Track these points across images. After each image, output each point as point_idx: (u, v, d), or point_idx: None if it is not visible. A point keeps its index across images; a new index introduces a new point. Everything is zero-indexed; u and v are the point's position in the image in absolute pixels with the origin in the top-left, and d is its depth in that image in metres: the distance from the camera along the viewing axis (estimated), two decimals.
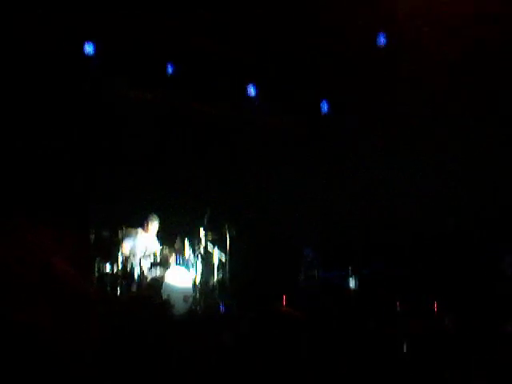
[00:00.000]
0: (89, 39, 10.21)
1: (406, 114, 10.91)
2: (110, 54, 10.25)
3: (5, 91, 10.03)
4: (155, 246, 10.91)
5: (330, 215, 11.96)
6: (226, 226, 10.78)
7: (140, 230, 10.87)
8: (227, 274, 10.79)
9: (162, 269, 10.46)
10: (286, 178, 12.19)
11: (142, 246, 10.81)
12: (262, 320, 6.63)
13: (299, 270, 11.16)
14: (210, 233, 10.84)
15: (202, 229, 10.79)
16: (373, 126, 11.41)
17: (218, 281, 10.79)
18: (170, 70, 10.93)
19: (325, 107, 11.81)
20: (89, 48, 10.28)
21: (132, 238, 10.79)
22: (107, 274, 10.23)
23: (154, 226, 10.89)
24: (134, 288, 10.19)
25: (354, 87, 10.85)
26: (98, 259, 10.21)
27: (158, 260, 10.59)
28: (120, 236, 10.59)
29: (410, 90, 10.60)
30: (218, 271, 10.77)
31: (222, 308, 10.25)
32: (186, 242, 10.66)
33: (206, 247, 10.80)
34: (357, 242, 11.32)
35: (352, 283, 10.56)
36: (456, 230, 10.94)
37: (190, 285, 10.33)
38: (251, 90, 11.37)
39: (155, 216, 10.90)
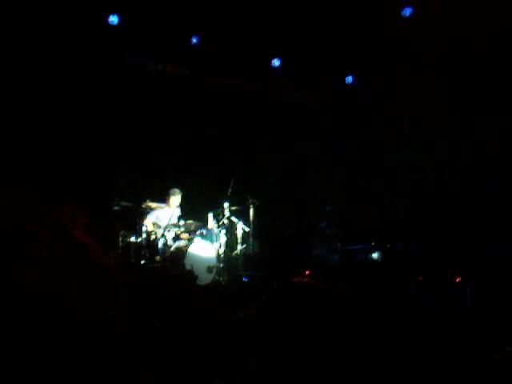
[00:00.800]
0: (112, 10, 10.17)
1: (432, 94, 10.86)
2: (132, 26, 10.21)
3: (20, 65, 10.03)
4: (179, 218, 10.94)
5: (355, 188, 11.90)
6: (250, 198, 10.84)
7: (163, 203, 10.87)
8: (251, 246, 10.86)
9: (185, 240, 10.43)
10: (309, 150, 12.16)
11: (165, 218, 10.81)
12: (285, 291, 6.16)
13: (321, 243, 10.95)
14: (233, 205, 10.86)
15: (225, 201, 10.82)
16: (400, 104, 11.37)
17: (241, 252, 10.84)
18: (193, 42, 10.87)
19: (350, 81, 11.81)
20: (113, 19, 10.25)
21: (156, 211, 10.81)
22: (132, 244, 10.21)
23: (176, 198, 10.83)
24: (157, 258, 10.17)
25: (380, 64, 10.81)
26: (123, 231, 10.21)
27: (182, 231, 10.59)
28: (144, 209, 10.55)
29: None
30: (241, 243, 10.83)
31: (245, 279, 10.37)
32: (210, 214, 10.64)
33: (229, 219, 10.82)
34: (381, 215, 11.13)
35: (375, 257, 10.44)
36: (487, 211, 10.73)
37: (213, 255, 10.32)
38: (276, 64, 11.27)
39: (177, 189, 10.85)
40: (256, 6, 9.73)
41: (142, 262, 10.11)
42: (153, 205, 10.58)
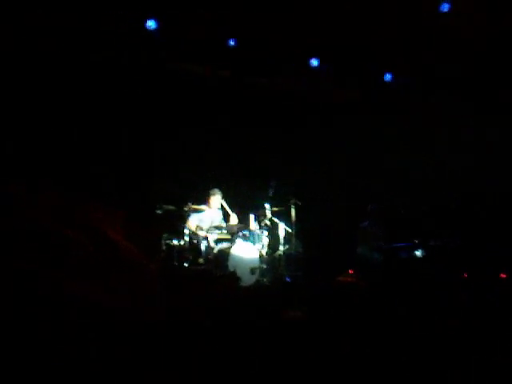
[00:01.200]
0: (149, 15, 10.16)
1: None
2: (165, 27, 10.23)
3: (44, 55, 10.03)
4: (220, 220, 10.91)
5: (397, 184, 11.74)
6: (291, 199, 10.66)
7: (204, 205, 10.84)
8: (293, 246, 10.70)
9: (228, 242, 10.43)
10: (350, 149, 12.06)
11: (207, 220, 10.81)
12: (329, 291, 6.65)
13: (364, 242, 10.77)
14: (275, 206, 10.76)
15: (267, 202, 10.76)
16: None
17: (284, 253, 10.68)
18: (231, 44, 10.85)
19: (387, 77, 11.66)
20: (150, 23, 10.27)
21: (197, 213, 10.78)
22: (174, 247, 10.20)
23: (216, 199, 10.78)
24: (201, 260, 10.17)
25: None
26: (165, 234, 10.23)
27: (224, 233, 10.59)
28: (186, 211, 10.53)
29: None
30: (284, 243, 10.68)
31: (288, 279, 10.25)
32: (252, 216, 10.63)
33: (271, 220, 10.73)
34: (425, 212, 11.02)
35: (419, 256, 10.22)
36: None
37: (256, 257, 10.24)
38: (312, 61, 11.21)
39: (217, 190, 10.79)
40: (292, 7, 9.77)
41: (185, 264, 10.07)
42: (194, 207, 10.53)
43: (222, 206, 10.81)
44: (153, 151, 11.11)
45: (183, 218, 10.52)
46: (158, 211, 10.18)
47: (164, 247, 10.17)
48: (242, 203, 11.12)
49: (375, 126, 11.78)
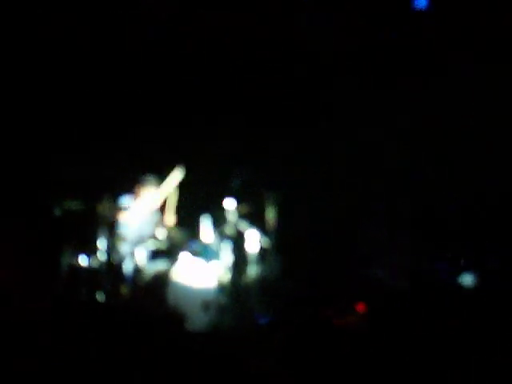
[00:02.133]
0: None
1: None
2: None
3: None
4: (156, 225, 9.31)
5: (428, 181, 10.22)
6: (267, 192, 9.27)
7: (130, 200, 9.17)
8: (271, 267, 9.36)
9: (168, 260, 8.93)
10: (351, 119, 10.41)
11: (135, 226, 9.16)
12: (322, 340, 5.89)
13: (383, 260, 9.41)
14: (243, 205, 9.29)
15: (230, 199, 9.24)
16: None
17: (256, 277, 9.32)
18: None
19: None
20: None
21: (119, 214, 9.14)
22: (82, 269, 8.68)
23: (150, 192, 9.12)
24: (124, 290, 8.64)
25: None
26: (67, 250, 8.67)
27: (162, 246, 9.02)
28: (101, 211, 8.78)
29: None
30: (256, 262, 9.28)
31: (262, 321, 8.70)
32: (206, 219, 9.11)
33: (237, 226, 9.28)
34: (473, 221, 9.79)
35: (466, 281, 8.96)
36: None
37: (212, 284, 8.85)
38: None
39: (150, 177, 9.16)
40: None
41: (99, 297, 8.60)
42: (115, 206, 8.90)
43: (157, 203, 9.38)
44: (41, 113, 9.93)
45: (97, 224, 8.78)
46: (56, 212, 8.66)
47: (65, 270, 8.64)
48: (191, 199, 9.52)
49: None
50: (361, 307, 8.22)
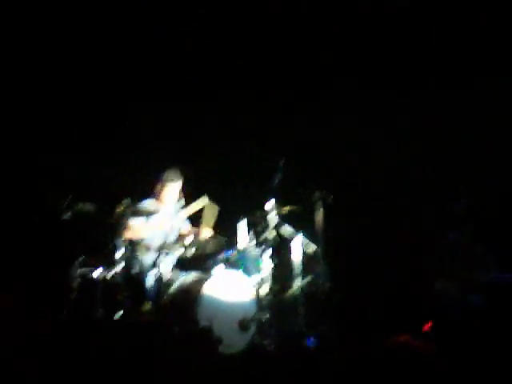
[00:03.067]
0: None
1: None
2: None
3: None
4: (184, 230, 8.56)
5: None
6: (317, 192, 8.20)
7: (152, 201, 8.37)
8: (320, 279, 8.33)
9: (198, 271, 8.20)
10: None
11: (159, 231, 8.43)
12: (378, 364, 3.83)
13: (452, 271, 8.20)
14: (284, 205, 8.29)
15: (270, 197, 8.20)
16: None
17: (302, 291, 8.29)
18: None
19: None
20: None
21: (141, 218, 8.32)
22: (97, 283, 7.70)
23: (174, 189, 8.31)
24: (146, 307, 7.80)
25: None
26: (81, 258, 7.77)
27: (191, 255, 8.21)
28: (120, 216, 7.86)
29: None
30: (302, 273, 8.26)
31: (310, 342, 7.94)
32: (243, 223, 8.15)
33: (279, 231, 8.31)
34: None
35: None
36: None
37: (250, 298, 8.01)
38: None
39: (176, 173, 8.33)
40: None
41: (119, 314, 7.58)
42: (136, 208, 8.04)
43: (186, 204, 8.63)
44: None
45: (114, 228, 7.86)
46: (65, 215, 7.61)
47: (77, 283, 7.70)
48: (226, 201, 8.63)
49: None
50: (428, 327, 7.34)
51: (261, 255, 8.28)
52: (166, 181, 8.38)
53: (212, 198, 8.67)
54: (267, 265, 8.29)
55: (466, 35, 9.73)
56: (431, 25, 9.78)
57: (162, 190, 8.45)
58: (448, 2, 9.49)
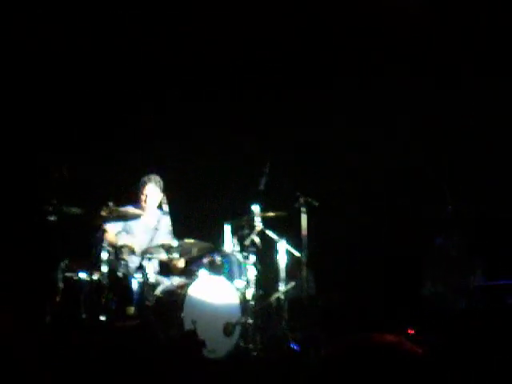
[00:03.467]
0: None
1: None
2: None
3: None
4: (167, 233, 8.45)
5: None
6: (300, 196, 8.35)
7: (136, 205, 8.42)
8: (304, 284, 8.43)
9: (183, 275, 8.27)
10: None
11: (142, 233, 8.44)
12: (364, 363, 4.36)
13: (438, 274, 8.51)
14: (270, 209, 8.42)
15: (254, 202, 8.36)
16: None
17: (286, 296, 8.43)
18: None
19: None
20: None
21: (125, 221, 8.38)
22: (82, 285, 7.64)
23: (155, 192, 8.38)
24: (131, 310, 7.70)
25: None
26: (65, 261, 7.69)
27: (176, 259, 8.13)
28: (104, 218, 7.90)
29: None
30: (285, 278, 8.40)
31: (293, 346, 8.09)
32: (227, 227, 8.26)
33: (263, 235, 8.40)
34: None
35: None
36: None
37: (234, 302, 8.01)
38: None
39: (154, 176, 8.41)
40: None
41: (102, 318, 7.58)
42: (120, 210, 8.05)
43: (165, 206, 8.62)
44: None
45: (99, 231, 8.03)
46: (51, 217, 7.66)
47: (61, 286, 7.62)
48: (210, 203, 9.25)
49: None
50: (410, 332, 7.44)
51: (245, 260, 8.31)
52: (145, 183, 8.34)
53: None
54: (251, 269, 8.30)
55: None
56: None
57: (142, 191, 8.42)
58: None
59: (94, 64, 10.07)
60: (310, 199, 8.42)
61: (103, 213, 7.91)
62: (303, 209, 8.45)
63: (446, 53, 10.22)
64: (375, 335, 5.91)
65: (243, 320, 8.10)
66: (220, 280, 8.15)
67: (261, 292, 8.46)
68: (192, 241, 8.26)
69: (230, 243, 8.28)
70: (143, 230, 8.45)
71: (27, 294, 7.52)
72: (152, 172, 8.55)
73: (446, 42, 10.10)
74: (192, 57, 10.26)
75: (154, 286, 8.03)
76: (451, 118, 10.28)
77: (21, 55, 9.76)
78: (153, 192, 8.41)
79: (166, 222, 8.53)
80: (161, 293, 8.04)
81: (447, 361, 5.77)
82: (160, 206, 8.60)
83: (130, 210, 8.44)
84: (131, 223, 8.43)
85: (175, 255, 8.13)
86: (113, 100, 10.07)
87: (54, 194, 7.97)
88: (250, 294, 8.27)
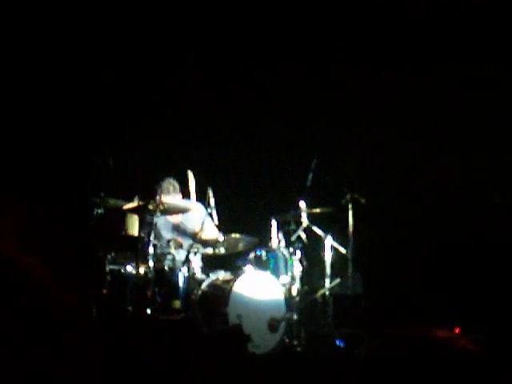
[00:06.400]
0: None
1: None
2: None
3: None
4: (213, 228, 8.46)
5: None
6: (347, 192, 8.40)
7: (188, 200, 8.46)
8: (349, 281, 8.57)
9: (228, 270, 8.31)
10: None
11: (189, 227, 8.49)
12: (414, 362, 3.22)
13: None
14: (316, 205, 8.49)
15: (301, 198, 8.46)
16: None
17: (332, 292, 8.56)
18: None
19: None
20: None
21: (174, 216, 8.50)
22: (127, 278, 7.83)
23: (171, 198, 8.26)
24: (176, 304, 7.88)
25: None
26: (111, 255, 7.86)
27: (222, 252, 8.33)
28: (153, 211, 7.88)
29: None
30: (331, 275, 8.46)
31: (339, 343, 8.09)
32: (273, 223, 8.30)
33: (308, 231, 8.46)
34: None
35: None
36: None
37: (279, 297, 8.09)
38: None
39: (170, 179, 8.39)
40: None
41: (148, 311, 7.71)
42: (171, 203, 8.10)
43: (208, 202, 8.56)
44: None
45: (146, 224, 8.01)
46: (98, 210, 7.78)
47: (108, 278, 7.74)
48: (257, 201, 9.22)
49: None
50: (457, 330, 7.03)
51: (291, 255, 8.43)
52: (162, 192, 8.31)
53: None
54: (297, 265, 8.43)
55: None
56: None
57: (159, 192, 8.42)
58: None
59: (139, 54, 9.64)
60: (357, 195, 8.49)
61: (152, 205, 7.88)
62: (350, 206, 8.53)
63: None
64: (428, 329, 6.27)
65: (288, 316, 8.20)
66: (265, 275, 8.24)
67: (306, 288, 8.60)
68: (238, 236, 8.46)
69: (276, 239, 8.38)
70: (192, 222, 8.44)
71: (76, 287, 7.44)
72: (167, 180, 8.43)
73: None
74: (239, 51, 9.87)
75: (200, 280, 8.15)
76: None
77: (63, 44, 9.63)
78: (169, 199, 8.29)
79: (212, 216, 8.44)
80: (206, 287, 8.17)
81: (499, 359, 6.32)
82: (208, 202, 8.51)
83: (180, 203, 8.44)
84: (182, 219, 8.51)
85: (221, 250, 8.34)
86: (157, 89, 9.79)
87: (100, 186, 8.03)
88: (295, 289, 8.36)
